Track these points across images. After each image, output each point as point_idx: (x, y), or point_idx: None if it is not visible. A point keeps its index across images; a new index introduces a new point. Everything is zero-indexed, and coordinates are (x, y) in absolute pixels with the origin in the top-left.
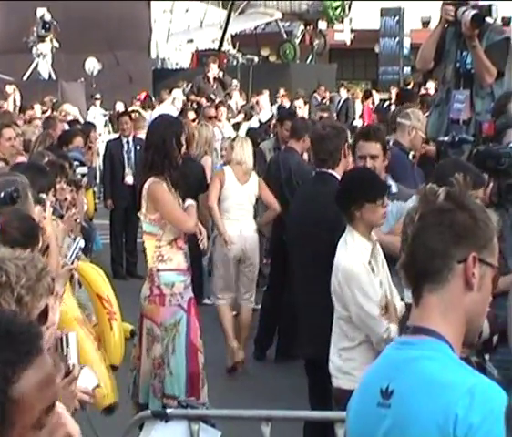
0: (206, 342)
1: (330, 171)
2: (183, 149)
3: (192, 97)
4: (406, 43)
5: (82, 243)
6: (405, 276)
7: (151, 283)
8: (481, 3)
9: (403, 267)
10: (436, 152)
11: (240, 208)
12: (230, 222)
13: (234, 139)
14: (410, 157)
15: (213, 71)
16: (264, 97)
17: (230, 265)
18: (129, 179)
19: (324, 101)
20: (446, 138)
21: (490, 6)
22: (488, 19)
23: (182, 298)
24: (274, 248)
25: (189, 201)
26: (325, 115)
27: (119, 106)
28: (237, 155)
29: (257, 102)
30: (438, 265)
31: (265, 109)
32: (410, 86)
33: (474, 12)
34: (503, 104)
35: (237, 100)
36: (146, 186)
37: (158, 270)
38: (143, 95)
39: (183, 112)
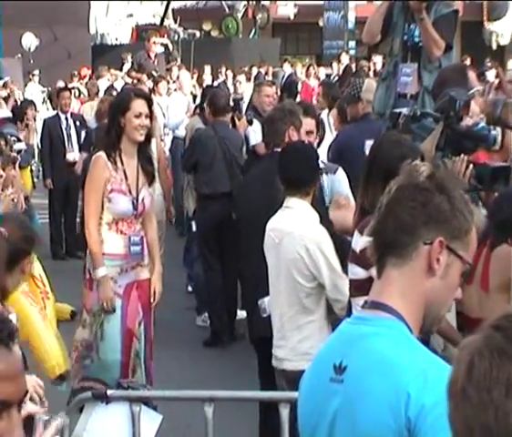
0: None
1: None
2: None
3: (133, 74)
4: (351, 17)
5: None
6: (372, 243)
7: (88, 266)
8: None
9: (371, 233)
10: (392, 127)
11: None
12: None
13: None
14: None
15: (156, 47)
16: (185, 74)
17: None
18: (71, 156)
19: (267, 77)
20: (405, 111)
21: None
22: None
23: (116, 282)
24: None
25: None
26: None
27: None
28: None
29: (177, 77)
30: (405, 240)
31: (185, 85)
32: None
33: None
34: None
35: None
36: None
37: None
38: (83, 71)
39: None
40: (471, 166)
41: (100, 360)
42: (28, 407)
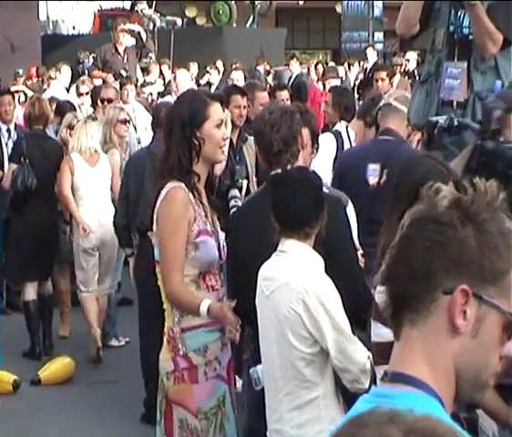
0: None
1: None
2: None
3: (96, 73)
4: (378, 1)
5: None
6: (385, 295)
7: (173, 351)
8: None
9: (383, 282)
10: (427, 138)
11: (94, 193)
12: (86, 209)
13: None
14: None
15: (124, 39)
16: (183, 73)
17: (90, 255)
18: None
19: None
20: (441, 120)
21: None
22: None
23: (220, 364)
24: None
25: None
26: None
27: None
28: (78, 140)
29: (174, 78)
30: (420, 290)
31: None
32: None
33: None
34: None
35: (156, 77)
36: (163, 192)
37: (182, 330)
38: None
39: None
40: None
41: None
42: None
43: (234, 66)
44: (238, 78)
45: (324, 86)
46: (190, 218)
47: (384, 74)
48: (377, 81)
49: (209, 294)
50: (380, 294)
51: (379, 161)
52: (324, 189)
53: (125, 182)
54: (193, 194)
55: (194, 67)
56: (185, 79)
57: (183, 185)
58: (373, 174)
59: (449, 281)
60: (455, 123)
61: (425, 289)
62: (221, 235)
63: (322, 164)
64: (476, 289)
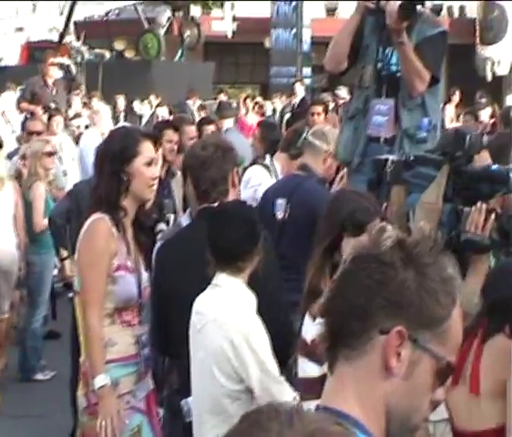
0: None
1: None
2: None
3: (24, 105)
4: (306, 36)
5: None
6: (322, 328)
7: (86, 386)
8: None
9: (321, 314)
10: (377, 179)
11: None
12: None
13: None
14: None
15: (53, 72)
16: (104, 107)
17: None
18: None
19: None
20: (392, 157)
21: None
22: (419, 7)
23: (135, 397)
24: None
25: None
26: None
27: None
28: None
29: (96, 111)
30: (357, 327)
31: (104, 121)
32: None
33: None
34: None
35: (77, 109)
36: (87, 222)
37: None
38: None
39: None
40: (492, 215)
41: None
42: None
43: (157, 102)
44: (163, 115)
45: (218, 127)
46: (111, 251)
47: (319, 108)
48: (313, 115)
49: (124, 330)
50: (318, 326)
51: (285, 196)
52: None
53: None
54: (118, 228)
55: (121, 100)
56: (105, 112)
57: (107, 218)
58: (280, 208)
59: (386, 321)
60: (411, 157)
61: (362, 326)
62: (144, 275)
63: (252, 197)
64: (412, 332)
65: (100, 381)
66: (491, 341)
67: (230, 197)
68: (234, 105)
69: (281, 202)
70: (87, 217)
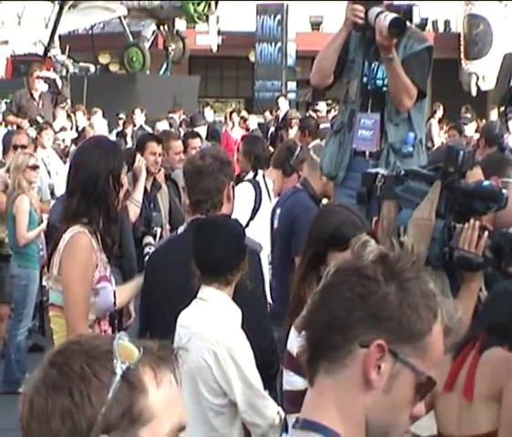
0: None
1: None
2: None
3: (10, 119)
4: (291, 50)
5: None
6: (304, 340)
7: None
8: (397, 2)
9: (303, 326)
10: (367, 193)
11: None
12: None
13: None
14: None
15: (39, 85)
16: (98, 118)
17: None
18: None
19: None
20: (383, 171)
21: (411, 7)
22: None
23: None
24: None
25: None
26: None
27: None
28: None
29: (90, 125)
30: (337, 340)
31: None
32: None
33: (393, 15)
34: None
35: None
36: (65, 236)
37: None
38: None
39: None
40: (485, 233)
41: None
42: None
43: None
44: (158, 129)
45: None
46: (94, 264)
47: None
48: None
49: None
50: (300, 338)
51: (281, 207)
52: None
53: None
54: (96, 239)
55: (99, 114)
56: (101, 125)
57: (87, 230)
58: (276, 219)
59: (367, 335)
60: (402, 171)
61: (343, 339)
62: (113, 281)
63: (239, 213)
64: (392, 345)
65: None
66: (489, 352)
67: (224, 210)
68: (222, 120)
69: (278, 212)
70: (65, 230)
